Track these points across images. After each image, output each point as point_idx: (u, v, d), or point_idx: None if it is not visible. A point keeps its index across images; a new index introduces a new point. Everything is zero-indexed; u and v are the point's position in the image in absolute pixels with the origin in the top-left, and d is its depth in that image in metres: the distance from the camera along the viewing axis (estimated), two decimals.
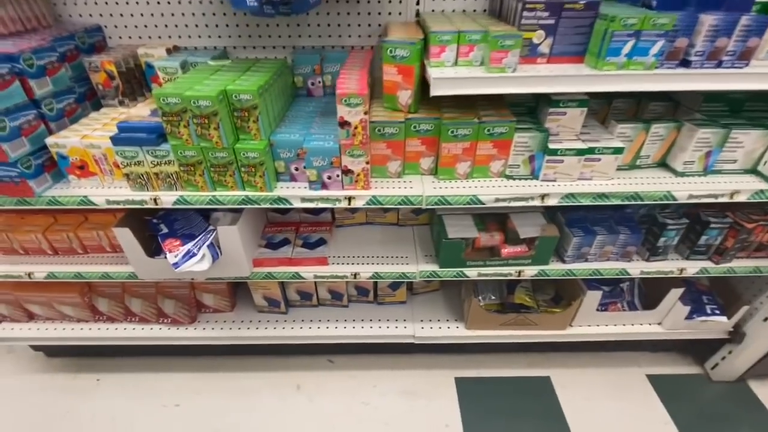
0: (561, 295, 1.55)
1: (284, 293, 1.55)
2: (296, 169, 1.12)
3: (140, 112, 1.18)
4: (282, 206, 1.12)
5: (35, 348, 1.74)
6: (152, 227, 1.26)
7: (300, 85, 1.33)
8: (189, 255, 1.18)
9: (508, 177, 1.16)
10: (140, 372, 1.69)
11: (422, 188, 1.13)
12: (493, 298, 1.53)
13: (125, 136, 1.03)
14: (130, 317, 1.54)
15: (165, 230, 1.25)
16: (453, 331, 1.52)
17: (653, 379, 1.64)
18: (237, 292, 1.66)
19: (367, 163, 1.06)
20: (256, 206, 1.11)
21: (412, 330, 1.51)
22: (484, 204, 1.12)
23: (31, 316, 1.54)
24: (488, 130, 1.07)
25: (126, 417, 1.54)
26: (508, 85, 0.94)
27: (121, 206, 1.11)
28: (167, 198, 1.10)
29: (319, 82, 1.33)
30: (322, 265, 1.33)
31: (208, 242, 1.18)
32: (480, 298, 1.50)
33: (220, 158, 1.04)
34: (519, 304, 1.48)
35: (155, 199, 1.10)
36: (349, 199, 1.11)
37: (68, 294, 1.46)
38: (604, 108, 1.24)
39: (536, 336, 1.51)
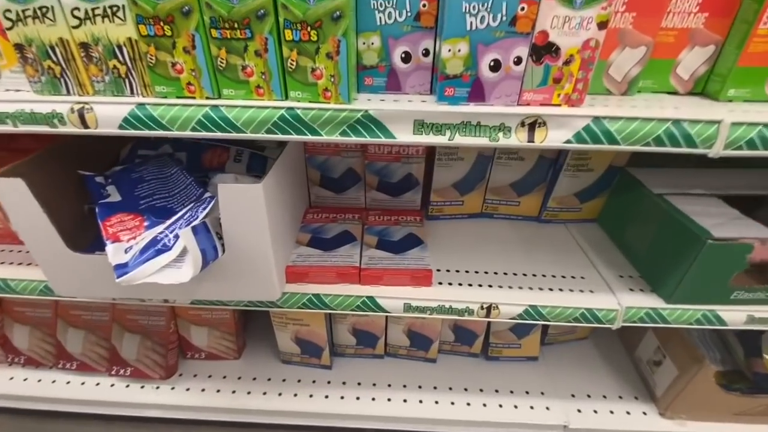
0: None
1: (331, 332, 0.88)
2: (404, 56, 0.49)
3: None
4: (369, 139, 0.47)
5: None
6: (93, 191, 0.63)
7: None
8: (153, 249, 0.54)
9: None
10: None
11: (705, 110, 0.48)
12: (717, 358, 0.83)
13: None
14: (65, 361, 0.89)
15: (116, 198, 0.62)
16: (637, 420, 0.82)
17: None
18: (248, 324, 1.01)
19: (604, 23, 0.42)
20: (312, 139, 0.48)
21: (562, 414, 0.82)
22: None
23: None
24: None
25: None
26: None
27: (8, 127, 0.49)
28: (108, 110, 0.48)
29: None
30: (422, 284, 0.67)
31: (197, 221, 0.54)
32: (706, 357, 0.80)
33: None
34: None
35: (81, 113, 0.48)
36: (535, 124, 0.46)
37: None
38: None
39: None
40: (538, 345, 0.92)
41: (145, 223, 0.58)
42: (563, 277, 0.70)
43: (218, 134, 0.48)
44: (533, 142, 0.47)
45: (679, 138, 0.46)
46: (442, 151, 0.76)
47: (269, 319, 0.85)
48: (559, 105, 0.47)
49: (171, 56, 0.45)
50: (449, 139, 0.47)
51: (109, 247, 0.54)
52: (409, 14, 0.46)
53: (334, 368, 0.91)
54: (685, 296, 0.62)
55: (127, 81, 0.48)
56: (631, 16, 0.47)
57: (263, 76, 0.46)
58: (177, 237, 0.54)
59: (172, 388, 0.87)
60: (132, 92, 0.48)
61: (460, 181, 0.81)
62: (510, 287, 0.68)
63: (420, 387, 0.87)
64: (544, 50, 0.44)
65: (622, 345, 0.97)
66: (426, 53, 0.49)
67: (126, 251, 0.55)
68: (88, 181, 0.63)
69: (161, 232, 0.56)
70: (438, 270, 0.71)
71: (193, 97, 0.48)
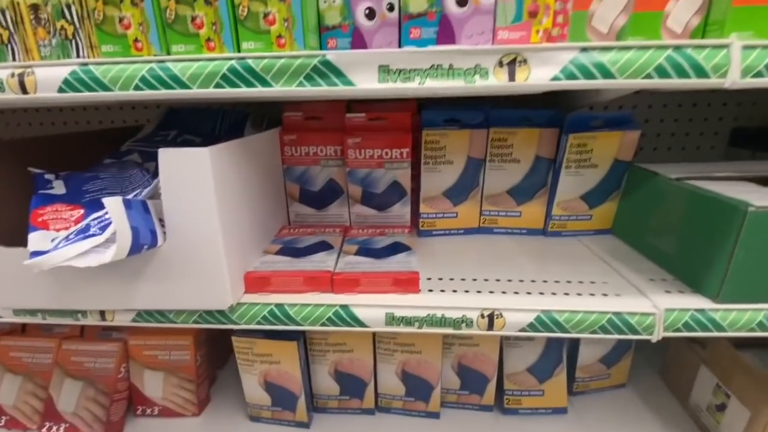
0: None
1: (308, 377, 0.73)
2: (368, 13, 0.46)
3: None
4: (325, 88, 0.42)
5: None
6: (38, 186, 0.57)
7: None
8: (82, 235, 0.46)
9: None
10: None
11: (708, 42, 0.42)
12: None
13: None
14: None
15: (59, 191, 0.56)
16: None
17: None
18: (217, 374, 0.86)
19: None
20: (264, 92, 0.43)
21: None
22: None
23: None
24: None
25: None
26: None
27: None
28: (49, 73, 0.44)
29: None
30: (408, 290, 0.56)
31: (137, 201, 0.47)
32: None
33: None
34: None
35: (21, 77, 0.44)
36: (515, 62, 0.41)
37: None
38: None
39: None
40: (564, 391, 0.74)
41: (85, 215, 0.51)
42: (580, 282, 0.58)
43: (163, 92, 0.43)
44: (514, 81, 0.41)
45: (685, 67, 0.40)
46: (429, 154, 0.71)
47: (233, 361, 0.71)
48: (533, 40, 0.42)
49: (119, 10, 0.43)
50: (419, 84, 0.42)
51: (32, 235, 0.46)
52: None
53: (313, 426, 0.74)
54: (737, 291, 0.49)
55: (73, 42, 0.45)
56: None
57: (214, 28, 0.43)
58: (106, 225, 0.46)
59: None
60: (78, 55, 0.45)
61: (452, 189, 0.73)
62: (516, 293, 0.55)
63: None
64: None
65: (669, 391, 0.78)
66: (390, 8, 0.46)
67: (52, 240, 0.47)
68: (36, 178, 0.57)
69: (95, 218, 0.48)
70: (429, 279, 0.60)
71: (141, 55, 0.45)
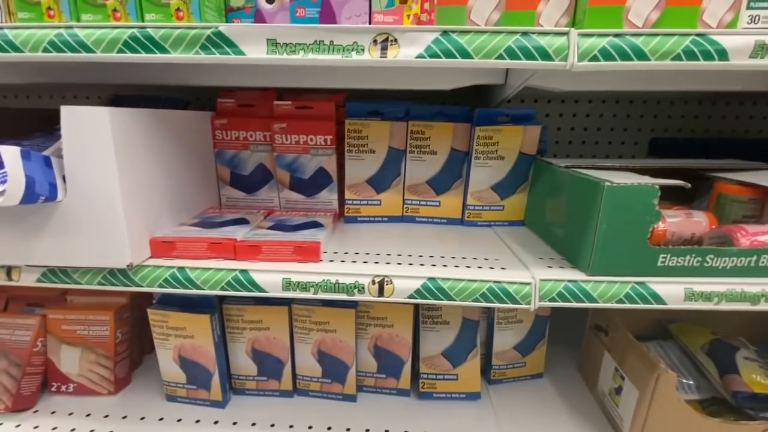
0: None
1: (224, 354, 0.74)
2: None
3: None
4: (218, 56, 0.46)
5: None
6: None
7: None
8: None
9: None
10: None
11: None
12: (693, 386, 0.67)
13: None
14: None
15: None
16: None
17: None
18: (145, 359, 0.86)
19: None
20: (161, 58, 0.47)
21: None
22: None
23: None
24: None
25: None
26: None
27: None
28: None
29: None
30: (308, 259, 0.58)
31: (38, 155, 0.49)
32: (662, 362, 0.64)
33: None
34: (759, 396, 0.62)
35: None
36: (387, 41, 0.46)
37: None
38: None
39: None
40: (478, 376, 0.76)
41: None
42: (474, 258, 0.61)
43: (69, 55, 0.47)
44: (386, 57, 0.46)
45: (532, 51, 0.45)
46: (352, 142, 0.75)
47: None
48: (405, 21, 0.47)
49: None
50: (303, 56, 0.46)
51: None
52: None
53: (228, 407, 0.74)
54: (606, 264, 0.53)
55: None
56: None
57: (120, 0, 0.47)
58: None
59: (18, 426, 0.69)
60: None
61: (375, 177, 0.77)
62: (410, 264, 0.59)
63: (329, 428, 0.69)
64: None
65: (583, 382, 0.81)
66: None
67: None
68: None
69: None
70: (335, 252, 0.63)
71: (48, 20, 0.48)
